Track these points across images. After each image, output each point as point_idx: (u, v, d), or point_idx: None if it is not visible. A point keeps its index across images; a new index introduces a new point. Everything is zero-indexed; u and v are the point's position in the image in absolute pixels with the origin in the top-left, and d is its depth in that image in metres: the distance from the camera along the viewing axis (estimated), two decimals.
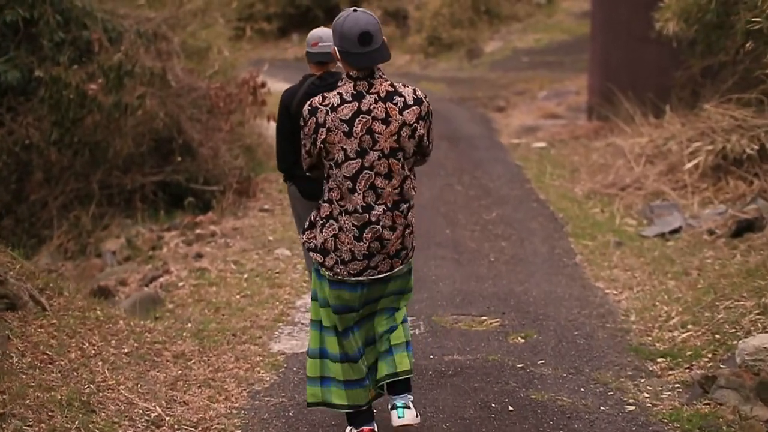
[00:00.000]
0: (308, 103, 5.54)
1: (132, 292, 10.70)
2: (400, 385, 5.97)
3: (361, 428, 5.98)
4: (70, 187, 13.38)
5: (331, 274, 5.61)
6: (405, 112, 5.46)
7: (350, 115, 5.39)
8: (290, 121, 7.34)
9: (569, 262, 10.95)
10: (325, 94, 5.52)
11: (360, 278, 5.61)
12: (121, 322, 8.12)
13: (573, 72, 27.29)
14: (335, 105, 5.41)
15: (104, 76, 12.75)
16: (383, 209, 5.52)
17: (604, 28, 19.50)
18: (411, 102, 5.49)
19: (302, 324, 8.85)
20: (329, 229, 5.56)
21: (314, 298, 5.94)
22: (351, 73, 5.47)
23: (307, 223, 5.82)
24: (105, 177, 13.65)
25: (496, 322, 8.82)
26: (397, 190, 5.56)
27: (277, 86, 28.36)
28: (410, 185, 5.64)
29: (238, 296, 9.93)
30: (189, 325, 8.76)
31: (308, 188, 7.33)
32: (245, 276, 10.61)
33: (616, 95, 17.71)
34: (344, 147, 5.40)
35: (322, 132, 5.41)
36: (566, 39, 33.19)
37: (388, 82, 5.52)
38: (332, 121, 5.38)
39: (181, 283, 10.60)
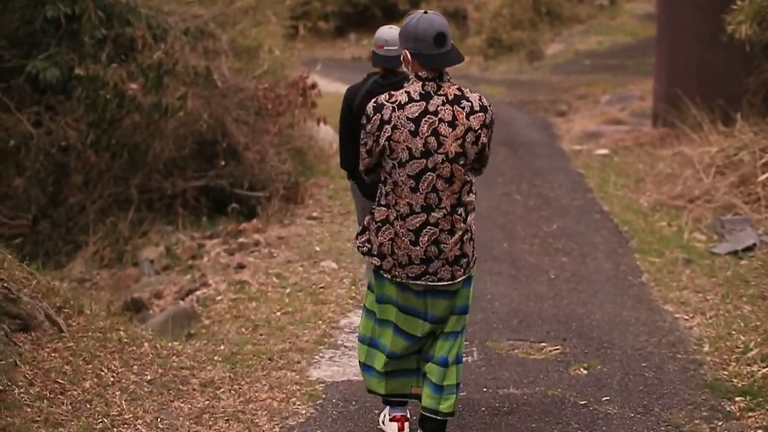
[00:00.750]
0: (374, 100, 5.51)
1: (167, 306, 10.10)
2: (435, 426, 5.90)
3: (394, 414, 6.16)
4: (109, 191, 12.78)
5: (389, 277, 5.61)
6: (471, 118, 5.42)
7: (417, 114, 5.36)
8: (353, 119, 7.54)
9: (635, 281, 10.19)
10: (392, 92, 5.49)
11: (419, 282, 5.56)
12: (146, 344, 7.44)
13: (637, 76, 26.49)
14: (402, 103, 5.39)
15: (143, 75, 12.12)
16: (443, 213, 5.47)
17: (671, 31, 18.63)
18: (477, 108, 5.45)
19: (345, 347, 8.20)
20: (386, 233, 5.55)
21: (370, 289, 5.97)
22: (420, 73, 5.43)
23: (360, 227, 5.82)
24: (144, 181, 13.03)
25: (557, 349, 8.10)
26: (456, 195, 5.50)
27: (333, 87, 28.12)
28: (469, 189, 5.60)
29: (278, 313, 9.28)
30: (222, 347, 8.07)
31: (370, 188, 7.18)
32: (287, 290, 9.95)
33: (683, 101, 16.85)
34: (409, 146, 5.37)
35: (387, 129, 5.39)
36: (630, 42, 32.40)
37: (456, 86, 5.49)
38: (398, 118, 5.37)
39: (219, 297, 9.97)
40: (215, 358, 7.68)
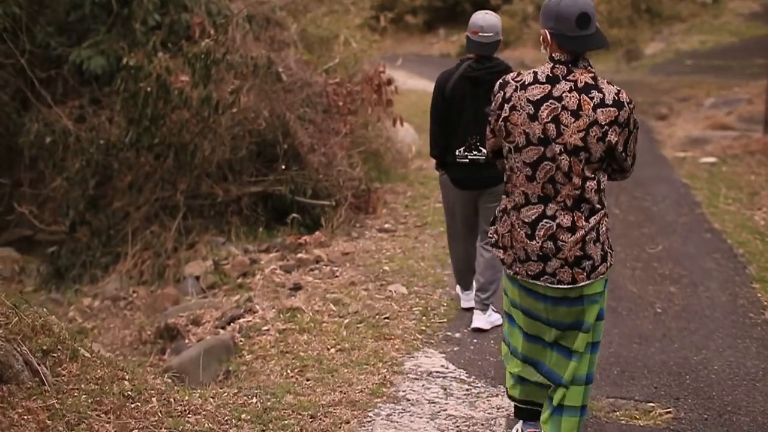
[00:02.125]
0: (503, 77, 5.28)
1: (205, 335, 8.67)
2: None
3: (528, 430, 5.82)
4: (156, 197, 11.32)
5: (511, 273, 5.34)
6: (599, 110, 4.98)
7: (539, 97, 5.04)
8: (444, 104, 7.77)
9: (757, 318, 8.61)
10: (522, 71, 5.27)
11: (538, 282, 5.20)
12: (155, 399, 5.90)
13: (743, 78, 24.84)
14: (526, 83, 5.10)
15: (189, 65, 10.60)
16: (561, 206, 5.11)
17: None
18: (609, 102, 4.99)
19: (407, 401, 6.69)
20: (505, 224, 5.32)
21: (506, 293, 5.62)
22: (554, 55, 5.09)
23: (493, 217, 5.56)
24: (193, 186, 11.47)
25: (668, 412, 6.55)
26: (578, 191, 5.08)
27: (420, 84, 26.70)
28: (595, 188, 5.11)
29: (332, 350, 7.83)
30: (254, 399, 6.57)
31: (461, 177, 7.94)
32: (346, 321, 8.49)
33: None
34: (526, 130, 5.06)
35: (506, 109, 5.14)
36: (734, 42, 30.82)
37: (591, 74, 5.07)
38: (519, 99, 5.09)
39: (265, 327, 8.51)
40: (243, 416, 6.16)
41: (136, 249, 10.80)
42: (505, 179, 5.34)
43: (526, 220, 5.17)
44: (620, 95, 5.05)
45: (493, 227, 5.50)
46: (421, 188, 14.18)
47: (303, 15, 14.53)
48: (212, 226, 11.52)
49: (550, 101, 5.02)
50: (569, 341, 5.39)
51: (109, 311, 9.95)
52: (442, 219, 11.91)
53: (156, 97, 10.32)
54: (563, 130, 5.00)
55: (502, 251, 5.36)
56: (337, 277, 10.03)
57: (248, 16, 12.79)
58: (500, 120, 5.17)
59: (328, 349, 7.84)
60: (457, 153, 7.94)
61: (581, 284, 5.15)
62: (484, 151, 7.65)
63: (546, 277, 5.17)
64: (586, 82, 5.04)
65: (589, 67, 5.13)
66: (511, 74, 5.26)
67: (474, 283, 8.55)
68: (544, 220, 5.13)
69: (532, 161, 5.09)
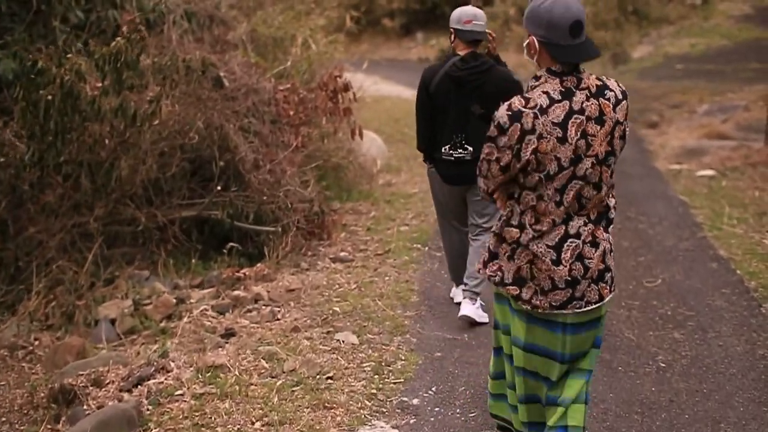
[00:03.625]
0: (506, 106, 4.66)
1: (107, 399, 7.00)
2: None
3: None
4: (73, 222, 9.57)
5: (529, 308, 4.84)
6: (617, 109, 4.70)
7: (563, 116, 4.58)
8: (429, 99, 7.84)
9: None
10: (526, 95, 4.66)
11: (565, 311, 4.78)
12: None
13: (737, 83, 23.63)
14: (544, 106, 4.59)
15: (97, 68, 8.83)
16: (584, 221, 4.77)
17: None
18: (621, 96, 4.75)
19: None
20: (523, 256, 4.83)
21: (496, 327, 5.31)
22: (554, 68, 4.68)
23: (487, 254, 5.04)
24: (113, 211, 9.65)
25: None
26: (604, 203, 4.82)
27: (395, 90, 25.21)
28: (612, 192, 4.92)
29: (257, 423, 6.28)
30: None
31: (448, 174, 7.97)
32: (279, 383, 6.88)
33: None
34: (558, 155, 4.60)
35: (531, 140, 4.59)
36: (726, 45, 29.63)
37: (594, 75, 4.77)
38: (543, 125, 4.57)
39: (179, 391, 6.85)
40: None
41: (42, 285, 9.01)
42: (518, 211, 4.87)
43: (550, 244, 4.78)
44: (620, 85, 4.86)
45: (489, 265, 5.02)
46: (386, 208, 12.60)
47: (255, 14, 12.88)
48: (139, 257, 9.82)
49: (575, 117, 4.62)
50: (584, 362, 5.05)
51: (5, 363, 8.27)
52: (406, 245, 10.39)
53: (61, 106, 8.55)
54: (592, 141, 4.66)
55: (516, 287, 4.88)
56: (277, 320, 8.46)
57: (188, 12, 11.17)
58: (527, 153, 4.63)
59: (253, 423, 6.27)
60: (443, 150, 7.92)
61: (607, 299, 4.88)
62: (469, 149, 7.78)
63: (574, 302, 4.81)
64: (597, 85, 4.72)
65: (585, 70, 4.77)
66: (517, 101, 4.65)
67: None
68: (569, 240, 4.78)
69: (561, 185, 4.70)
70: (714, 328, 8.06)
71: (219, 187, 9.91)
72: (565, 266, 4.76)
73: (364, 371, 7.14)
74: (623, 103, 4.75)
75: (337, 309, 8.58)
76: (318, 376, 6.99)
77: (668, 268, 9.80)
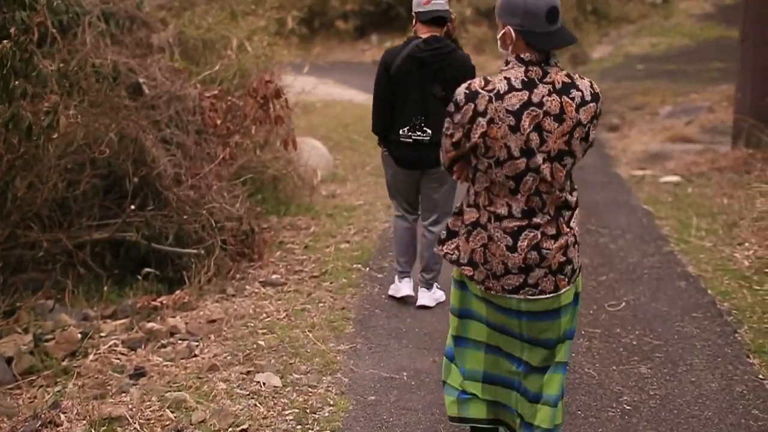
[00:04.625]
0: (466, 85, 4.62)
1: None
2: None
3: None
4: None
5: (482, 288, 4.80)
6: (582, 110, 4.57)
7: (518, 106, 4.52)
8: (389, 81, 7.83)
9: (764, 414, 6.15)
10: (488, 77, 4.62)
11: (517, 296, 4.73)
12: None
13: (700, 83, 22.92)
14: (501, 92, 4.53)
15: None
16: (547, 218, 4.68)
17: (760, 24, 14.57)
18: (589, 98, 4.61)
19: None
20: (477, 238, 4.78)
21: (454, 313, 5.11)
22: (523, 55, 4.59)
23: (445, 232, 4.97)
24: (13, 235, 8.51)
25: None
26: (562, 198, 4.68)
27: (347, 94, 24.29)
28: (571, 188, 4.78)
29: None
30: None
31: (404, 157, 8.00)
32: None
33: None
34: (508, 143, 4.54)
35: (481, 123, 4.55)
36: (688, 44, 28.96)
37: (564, 72, 4.64)
38: (496, 111, 4.52)
39: None
40: None
41: None
42: (474, 192, 4.82)
43: (508, 231, 4.69)
44: (594, 87, 4.70)
45: (447, 244, 4.96)
46: (327, 222, 11.63)
47: (185, 15, 11.88)
48: (47, 284, 8.76)
49: (531, 108, 4.53)
50: (558, 355, 4.96)
51: None
52: (345, 266, 9.46)
53: None
54: (547, 137, 4.55)
55: (470, 268, 4.83)
56: (195, 356, 7.47)
57: (105, 13, 10.15)
58: (475, 135, 4.59)
59: None
60: (400, 132, 7.93)
61: (563, 291, 4.78)
62: (428, 131, 7.81)
63: (527, 288, 4.73)
64: (563, 82, 4.60)
65: (559, 64, 4.68)
66: (478, 82, 4.62)
67: (419, 264, 8.52)
68: (527, 230, 4.68)
69: (515, 174, 4.60)
70: (685, 360, 7.16)
71: (133, 206, 8.87)
72: (521, 254, 4.69)
73: (286, 420, 6.18)
74: (591, 105, 4.62)
75: (262, 343, 7.60)
76: (230, 429, 6.01)
77: (632, 288, 8.89)
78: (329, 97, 23.82)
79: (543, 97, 4.54)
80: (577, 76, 4.71)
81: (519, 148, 4.54)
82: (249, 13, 14.21)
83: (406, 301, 8.65)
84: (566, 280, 4.80)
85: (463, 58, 7.80)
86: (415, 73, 7.76)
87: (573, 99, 4.56)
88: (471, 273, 4.83)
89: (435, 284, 8.46)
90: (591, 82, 4.71)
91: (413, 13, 7.84)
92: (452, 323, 5.17)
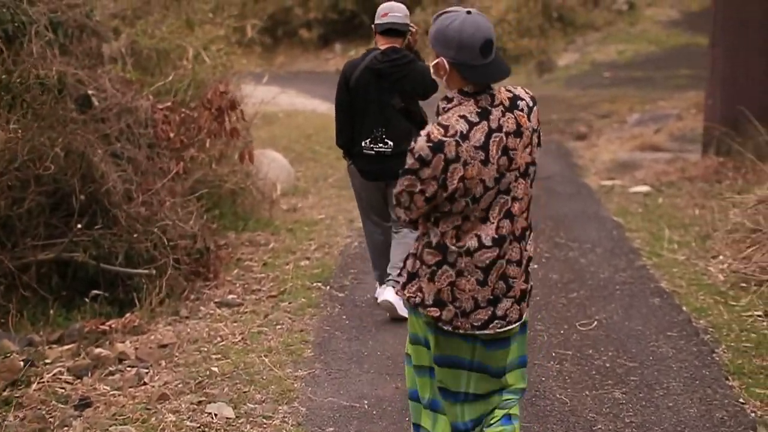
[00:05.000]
0: (425, 137, 4.41)
1: None
2: None
3: None
4: None
5: (450, 328, 4.62)
6: (531, 117, 4.60)
7: (483, 139, 4.43)
8: (349, 94, 7.89)
9: None
10: (442, 122, 4.45)
11: (486, 331, 4.61)
12: None
13: (667, 90, 22.72)
14: (464, 132, 4.41)
15: None
16: (510, 239, 4.59)
17: (730, 30, 14.25)
18: (531, 103, 4.63)
19: None
20: (443, 278, 4.57)
21: (413, 343, 4.95)
22: (466, 89, 4.52)
23: (405, 276, 4.77)
24: None
25: None
26: (525, 215, 4.64)
27: (310, 104, 23.92)
28: (530, 212, 4.71)
29: None
30: None
31: (368, 169, 8.03)
32: None
33: (750, 121, 12.91)
34: (483, 178, 4.44)
35: (457, 168, 4.39)
36: (655, 51, 28.71)
37: (504, 87, 4.65)
38: (467, 151, 4.39)
39: None
40: None
41: None
42: (439, 233, 4.60)
43: (480, 265, 4.55)
44: (528, 91, 4.71)
45: (408, 287, 4.75)
46: (287, 238, 11.20)
47: (138, 24, 11.43)
48: None
49: (494, 136, 4.46)
50: (515, 381, 4.88)
51: None
52: (305, 284, 9.10)
53: None
54: (513, 155, 4.51)
55: (437, 309, 4.62)
56: (144, 384, 7.05)
57: (53, 23, 9.70)
58: (454, 181, 4.42)
59: None
60: (363, 144, 7.92)
61: (525, 316, 4.75)
62: (390, 143, 7.81)
63: (496, 321, 4.63)
64: (509, 98, 4.58)
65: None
66: (436, 131, 4.42)
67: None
68: (499, 262, 4.57)
69: (486, 205, 4.50)
70: (661, 383, 6.79)
71: (80, 225, 8.42)
72: (490, 287, 4.58)
73: None
74: (535, 109, 4.64)
75: (216, 369, 7.19)
76: None
77: (604, 306, 8.52)
78: (292, 107, 23.42)
79: (499, 120, 4.50)
80: (510, 86, 4.70)
81: (492, 178, 4.47)
82: (207, 22, 13.75)
83: (372, 317, 8.46)
84: (527, 305, 4.76)
85: (422, 69, 7.74)
86: (374, 84, 7.80)
87: (523, 110, 4.56)
88: (438, 314, 4.65)
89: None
90: (524, 89, 4.72)
91: (372, 26, 7.87)
92: (408, 369, 5.13)
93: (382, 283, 8.46)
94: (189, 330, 8.13)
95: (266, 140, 17.46)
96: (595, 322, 8.08)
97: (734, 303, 8.55)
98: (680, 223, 11.41)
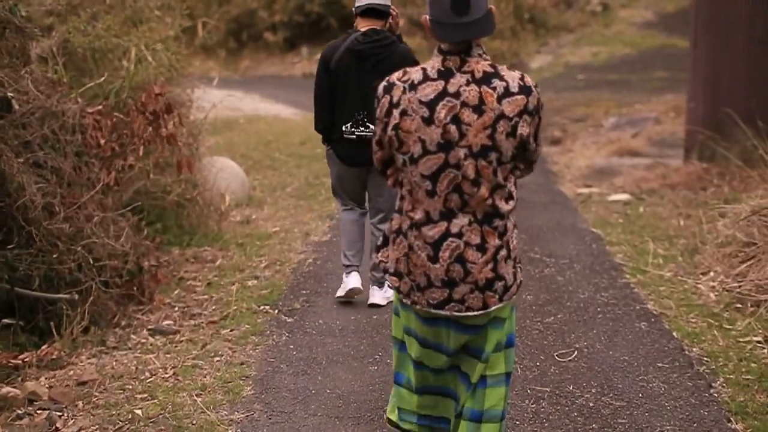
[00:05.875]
0: (387, 78, 4.42)
1: None
2: None
3: None
4: None
5: (408, 302, 4.50)
6: (505, 101, 4.24)
7: (432, 96, 4.26)
8: (329, 77, 7.79)
9: None
10: (408, 68, 4.43)
11: (442, 312, 4.39)
12: None
13: (644, 93, 22.13)
14: (415, 82, 4.31)
15: None
16: (469, 220, 4.32)
17: (713, 29, 13.43)
18: (515, 89, 4.26)
19: None
20: (400, 247, 4.49)
21: (396, 313, 4.78)
22: (442, 46, 4.34)
23: (381, 238, 4.65)
24: None
25: None
26: (488, 201, 4.31)
27: (273, 109, 23.01)
28: (506, 195, 4.38)
29: None
30: None
31: (348, 154, 7.87)
32: None
33: (735, 125, 12.06)
34: (422, 137, 4.28)
35: (394, 115, 4.33)
36: (630, 53, 28.29)
37: (489, 62, 4.33)
38: (409, 101, 4.29)
39: None
40: None
41: None
42: (400, 195, 4.51)
43: (428, 240, 4.35)
44: (525, 80, 4.33)
45: (382, 251, 4.62)
46: (236, 254, 10.22)
47: (71, 20, 10.41)
48: None
49: (447, 99, 4.23)
50: (495, 367, 4.56)
51: None
52: (251, 307, 8.21)
53: None
54: (466, 130, 4.23)
55: (396, 278, 4.51)
56: (55, 430, 6.06)
57: None
58: (389, 129, 4.34)
59: None
60: (344, 129, 7.82)
61: (492, 308, 4.38)
62: (372, 126, 7.58)
63: (452, 304, 4.36)
64: (484, 71, 4.27)
65: (485, 55, 4.35)
66: (396, 74, 4.40)
67: (371, 262, 8.26)
68: (449, 239, 4.32)
69: (431, 172, 4.28)
70: (653, 426, 5.87)
71: None
72: (443, 265, 4.36)
73: None
74: (518, 97, 4.26)
75: (139, 412, 6.19)
76: None
77: (585, 332, 7.58)
78: (254, 112, 22.61)
79: (460, 87, 4.27)
80: (503, 67, 4.37)
81: (435, 142, 4.28)
82: (153, 21, 12.73)
83: (351, 300, 8.38)
84: (496, 297, 4.41)
85: (403, 51, 7.71)
86: (355, 66, 7.72)
87: (495, 89, 4.25)
88: (397, 284, 4.55)
89: (387, 283, 8.12)
90: (523, 75, 4.38)
91: (353, 9, 7.84)
92: (397, 329, 4.84)
93: (350, 271, 8.36)
94: (114, 363, 7.12)
95: (224, 146, 16.57)
96: (576, 352, 7.14)
97: (729, 327, 7.67)
98: (664, 235, 10.52)
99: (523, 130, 4.27)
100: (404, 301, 4.55)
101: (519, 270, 4.57)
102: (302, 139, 18.03)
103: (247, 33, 34.02)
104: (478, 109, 4.24)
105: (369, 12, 7.71)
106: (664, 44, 28.12)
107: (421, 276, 4.42)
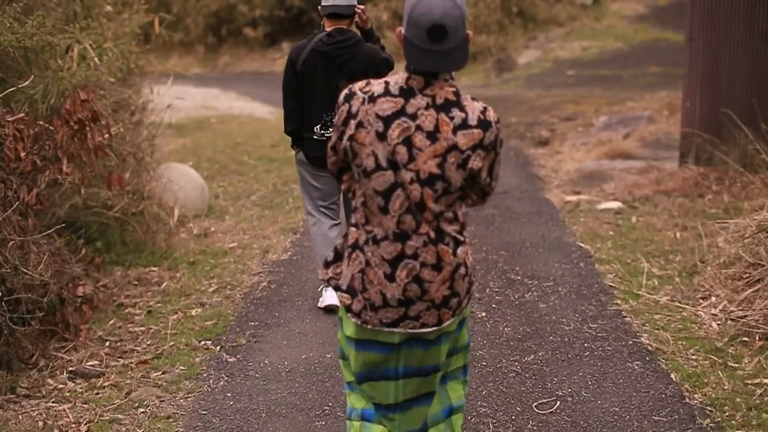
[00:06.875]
0: (350, 86, 4.30)
1: None
2: None
3: None
4: None
5: (359, 322, 4.28)
6: (460, 133, 4.11)
7: (390, 112, 4.13)
8: (296, 78, 7.72)
9: None
10: (372, 79, 4.30)
11: (396, 330, 4.24)
12: None
13: (637, 90, 21.42)
14: (375, 95, 4.16)
15: None
16: (424, 241, 4.17)
17: (711, 21, 12.48)
18: (473, 122, 4.13)
19: None
20: (356, 262, 4.28)
21: (342, 357, 4.64)
22: (410, 65, 4.17)
23: (332, 253, 4.51)
24: None
25: None
26: (434, 223, 4.18)
27: (248, 108, 21.98)
28: (451, 218, 4.22)
29: None
30: None
31: (317, 156, 7.74)
32: None
33: (736, 126, 11.22)
34: (375, 152, 4.14)
35: (351, 125, 4.20)
36: (621, 48, 27.59)
37: (453, 89, 4.18)
38: (366, 113, 4.16)
39: None
40: None
41: None
42: (353, 207, 4.34)
43: (386, 257, 4.19)
44: (486, 114, 4.18)
45: (332, 266, 4.47)
46: (186, 275, 9.21)
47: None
48: None
49: (403, 119, 4.11)
50: (452, 364, 4.55)
51: None
52: (190, 342, 7.36)
53: None
54: (416, 154, 4.10)
55: (348, 296, 4.29)
56: None
57: None
58: (345, 138, 4.22)
59: None
60: (314, 130, 7.78)
61: (446, 323, 4.26)
62: None
63: (407, 321, 4.23)
64: (446, 98, 4.13)
65: (451, 81, 4.20)
66: (360, 83, 4.27)
67: None
68: (406, 259, 4.17)
69: (383, 189, 4.15)
70: None
71: None
72: (399, 285, 4.18)
73: None
74: (474, 131, 4.09)
75: None
76: None
77: (570, 375, 6.57)
78: (228, 111, 21.72)
79: (419, 109, 4.12)
80: (468, 97, 4.21)
81: (386, 158, 4.14)
82: (108, 17, 11.69)
83: (265, 396, 6.41)
84: (451, 313, 4.29)
85: (370, 51, 7.69)
86: (321, 67, 7.67)
87: (452, 119, 4.11)
88: (349, 302, 4.32)
89: None
90: (485, 108, 4.19)
91: (319, 7, 7.75)
92: (349, 373, 4.60)
93: (327, 287, 8.13)
94: (20, 418, 6.09)
95: (191, 149, 15.67)
96: (558, 402, 6.13)
97: (736, 365, 6.70)
98: (660, 251, 9.53)
99: (475, 164, 4.12)
100: (354, 321, 4.30)
101: (473, 282, 4.43)
102: (274, 141, 17.05)
103: (227, 28, 33.15)
104: (432, 135, 4.11)
105: (333, 14, 7.62)
106: (657, 38, 27.34)
107: (377, 295, 4.24)
